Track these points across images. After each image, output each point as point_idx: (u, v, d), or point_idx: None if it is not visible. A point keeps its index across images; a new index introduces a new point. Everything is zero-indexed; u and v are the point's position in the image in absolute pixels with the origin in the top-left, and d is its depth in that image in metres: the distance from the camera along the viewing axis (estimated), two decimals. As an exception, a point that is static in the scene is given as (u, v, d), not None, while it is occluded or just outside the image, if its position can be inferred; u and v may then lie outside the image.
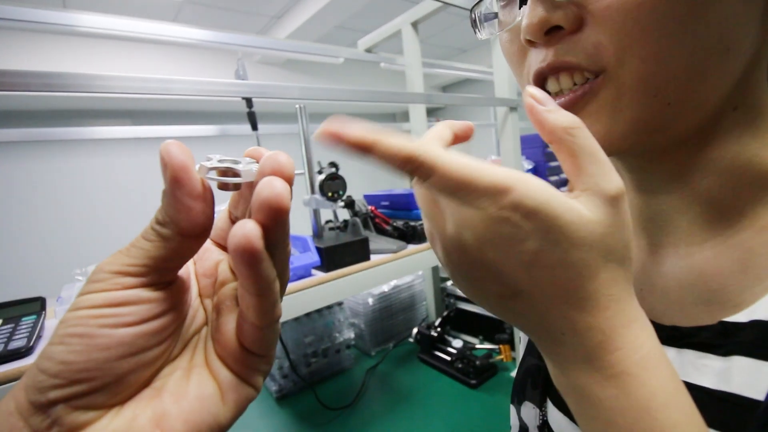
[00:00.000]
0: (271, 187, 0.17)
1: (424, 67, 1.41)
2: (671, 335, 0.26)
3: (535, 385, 0.34)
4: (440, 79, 4.95)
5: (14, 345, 0.50)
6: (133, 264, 0.18)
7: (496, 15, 0.30)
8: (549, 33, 0.24)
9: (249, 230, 0.16)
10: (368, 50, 1.55)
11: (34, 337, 0.53)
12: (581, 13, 0.22)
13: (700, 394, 0.23)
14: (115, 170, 3.41)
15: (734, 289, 0.24)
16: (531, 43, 0.25)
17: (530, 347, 0.38)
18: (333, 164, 0.96)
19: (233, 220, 0.24)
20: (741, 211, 0.25)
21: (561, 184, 1.48)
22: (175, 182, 0.18)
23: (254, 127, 1.04)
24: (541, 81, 0.26)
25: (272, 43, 1.29)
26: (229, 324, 0.20)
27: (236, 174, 0.20)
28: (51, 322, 0.61)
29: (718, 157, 0.24)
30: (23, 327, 0.55)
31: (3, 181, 2.96)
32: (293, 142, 1.19)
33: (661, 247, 0.29)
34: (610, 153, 0.23)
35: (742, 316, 0.23)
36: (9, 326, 0.55)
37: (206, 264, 0.23)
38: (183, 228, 0.18)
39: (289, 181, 0.18)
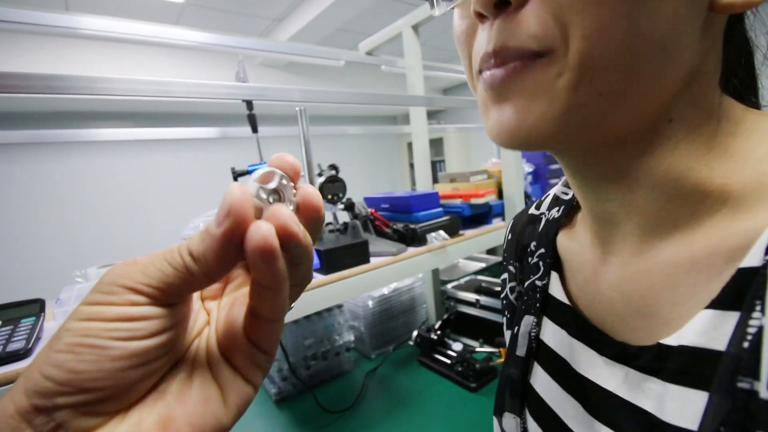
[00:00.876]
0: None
1: (424, 69, 1.41)
2: (619, 353, 0.26)
3: (514, 395, 0.35)
4: (441, 82, 4.96)
5: (13, 347, 0.50)
6: (149, 285, 0.18)
7: None
8: (498, 7, 0.22)
9: (265, 231, 0.17)
10: (369, 53, 1.55)
11: (33, 339, 0.53)
12: None
13: (644, 419, 0.23)
14: (116, 172, 3.42)
15: (665, 306, 0.24)
16: (481, 17, 0.23)
17: (508, 357, 0.38)
18: (333, 167, 0.96)
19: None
20: (674, 224, 0.24)
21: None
22: (234, 242, 0.18)
23: (254, 130, 1.05)
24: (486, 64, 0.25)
25: (274, 45, 1.30)
26: (238, 320, 0.21)
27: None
28: (50, 324, 0.61)
29: (653, 168, 0.24)
30: (22, 329, 0.55)
31: (3, 183, 2.96)
32: (293, 144, 1.20)
33: (610, 254, 0.29)
34: (543, 142, 0.23)
35: (673, 339, 0.22)
36: (8, 328, 0.55)
37: None
38: (213, 273, 0.18)
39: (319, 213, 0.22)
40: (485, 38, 0.23)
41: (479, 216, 1.18)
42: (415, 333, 1.32)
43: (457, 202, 1.16)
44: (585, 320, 0.30)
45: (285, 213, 0.18)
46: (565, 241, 0.35)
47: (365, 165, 5.18)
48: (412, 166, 5.49)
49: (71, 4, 2.51)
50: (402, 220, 1.02)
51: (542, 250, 0.37)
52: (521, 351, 0.35)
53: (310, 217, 0.21)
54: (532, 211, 0.43)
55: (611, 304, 0.28)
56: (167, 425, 0.18)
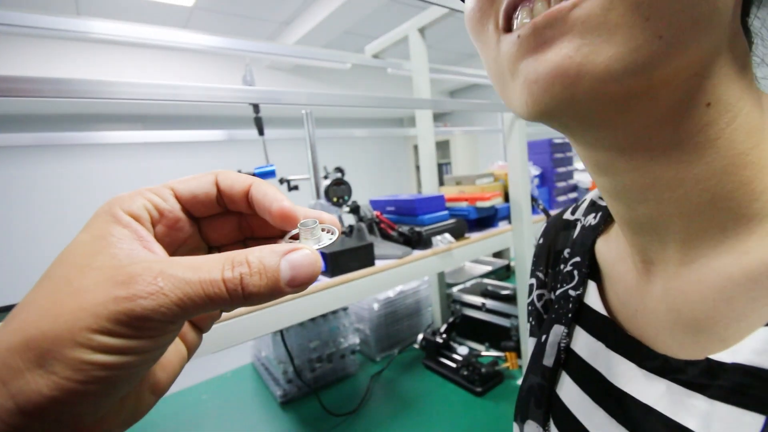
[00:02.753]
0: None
1: (431, 72, 1.42)
2: (661, 366, 0.25)
3: (539, 404, 0.34)
4: (448, 84, 4.96)
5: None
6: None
7: None
8: None
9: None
10: (375, 56, 1.56)
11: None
12: None
13: None
14: (122, 174, 3.46)
15: (719, 321, 0.22)
16: None
17: (532, 365, 0.37)
18: (338, 169, 0.96)
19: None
20: (722, 228, 0.22)
21: (569, 189, 1.47)
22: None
23: (261, 132, 1.05)
24: (510, 16, 0.22)
25: (281, 49, 1.31)
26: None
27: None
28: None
29: (692, 162, 0.21)
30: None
31: (9, 185, 3.00)
32: (299, 147, 1.20)
33: (652, 264, 0.27)
34: (585, 98, 0.19)
35: (726, 356, 0.21)
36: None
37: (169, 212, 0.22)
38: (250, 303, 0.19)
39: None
40: None
41: (485, 219, 1.17)
42: (420, 336, 1.32)
43: (463, 205, 1.15)
44: (624, 332, 0.29)
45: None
46: (603, 249, 0.34)
47: (371, 167, 5.19)
48: (418, 168, 5.49)
49: (82, 9, 2.55)
50: (407, 223, 1.02)
51: (577, 258, 0.36)
52: (548, 360, 0.34)
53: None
54: (567, 216, 0.41)
55: (655, 317, 0.26)
56: (155, 389, 0.20)
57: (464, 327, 1.41)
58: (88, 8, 2.54)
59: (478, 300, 1.35)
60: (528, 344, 0.42)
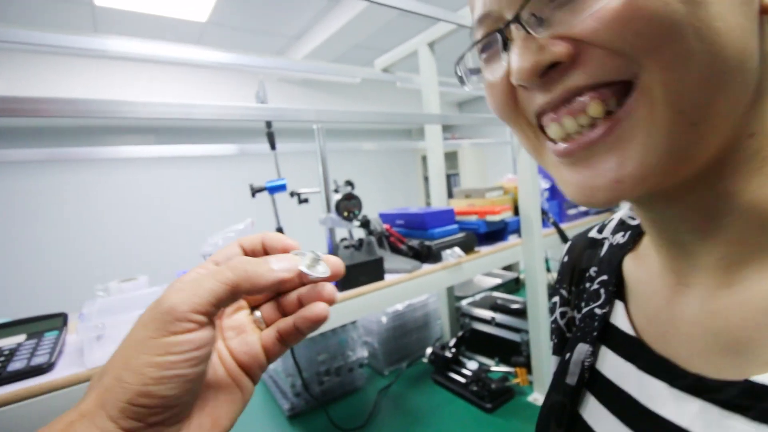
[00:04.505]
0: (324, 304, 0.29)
1: (440, 84, 1.43)
2: (695, 385, 0.24)
3: (560, 423, 0.33)
4: (456, 96, 4.98)
5: (36, 361, 0.51)
6: (207, 302, 0.23)
7: (479, 71, 0.29)
8: (545, 74, 0.22)
9: (326, 309, 0.28)
10: (385, 70, 1.57)
11: (56, 353, 0.54)
12: (574, 40, 0.20)
13: None
14: (136, 186, 3.51)
15: (763, 344, 0.22)
16: (525, 88, 0.23)
17: (555, 383, 0.36)
18: (349, 183, 0.96)
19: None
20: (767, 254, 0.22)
21: (575, 204, 1.45)
22: (280, 283, 0.27)
23: (273, 147, 1.07)
24: (540, 117, 0.24)
25: (293, 64, 1.33)
26: (255, 342, 0.29)
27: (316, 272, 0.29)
28: (72, 337, 0.62)
29: (739, 191, 0.22)
30: (46, 343, 0.56)
31: (28, 197, 3.07)
32: (310, 160, 1.21)
33: (688, 287, 0.27)
34: (644, 193, 0.21)
35: None
36: (32, 341, 0.56)
37: None
38: (253, 291, 0.26)
39: (341, 276, 0.31)
40: (539, 94, 0.23)
41: (495, 233, 1.16)
42: (429, 350, 1.31)
43: (473, 218, 1.15)
44: (652, 352, 0.28)
45: (333, 290, 0.30)
46: (632, 268, 0.34)
47: (380, 179, 5.20)
48: (426, 179, 5.50)
49: (99, 26, 2.62)
50: (417, 237, 1.02)
51: (605, 277, 0.35)
52: (572, 379, 0.34)
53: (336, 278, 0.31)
54: (593, 234, 0.41)
55: (689, 339, 0.26)
56: (217, 423, 0.25)
57: (473, 341, 1.40)
58: (105, 24, 2.62)
59: (487, 314, 1.34)
60: (549, 363, 0.42)
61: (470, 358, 1.35)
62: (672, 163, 0.20)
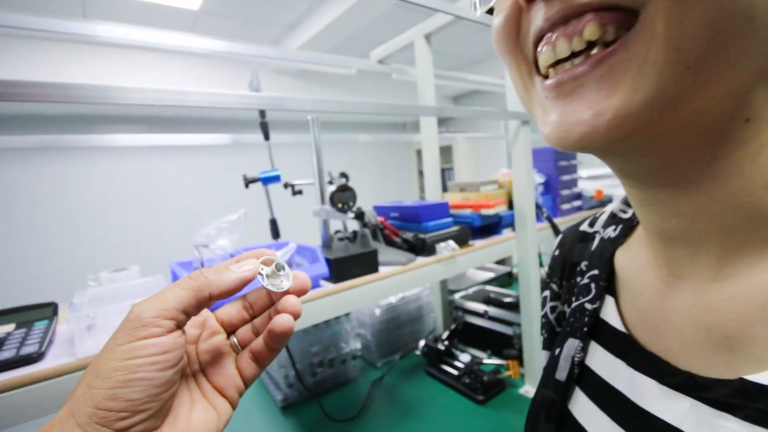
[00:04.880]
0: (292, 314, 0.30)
1: (436, 78, 1.42)
2: (685, 383, 0.24)
3: (549, 419, 0.33)
4: (451, 89, 4.96)
5: (26, 350, 0.51)
6: (173, 308, 0.25)
7: None
8: None
9: (290, 321, 0.29)
10: (380, 61, 1.56)
11: (46, 343, 0.53)
12: None
13: None
14: (127, 176, 3.46)
15: (756, 340, 0.21)
16: (531, 1, 0.22)
17: (545, 378, 0.36)
18: (343, 175, 0.96)
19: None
20: (764, 243, 0.22)
21: (573, 197, 1.47)
22: (241, 284, 0.29)
23: (266, 137, 1.05)
24: (537, 46, 0.23)
25: (287, 54, 1.31)
26: (230, 364, 0.30)
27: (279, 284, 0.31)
28: (62, 327, 0.61)
29: (731, 176, 0.21)
30: (35, 332, 0.55)
31: (17, 187, 3.02)
32: (304, 152, 1.20)
33: (680, 279, 0.26)
34: (621, 138, 0.20)
35: (765, 377, 0.20)
36: (21, 331, 0.56)
37: (197, 318, 0.31)
38: (216, 296, 0.27)
39: (306, 291, 0.32)
40: (540, 14, 0.21)
41: (489, 226, 1.17)
42: (422, 342, 1.31)
43: (467, 212, 1.15)
44: (642, 348, 0.28)
45: (297, 303, 0.30)
46: (624, 262, 0.33)
47: (373, 172, 5.19)
48: (421, 173, 5.49)
49: (89, 12, 2.57)
50: (411, 230, 1.02)
51: (595, 271, 0.35)
52: (561, 375, 0.33)
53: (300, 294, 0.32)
54: (584, 228, 0.41)
55: (681, 334, 0.25)
56: None
57: (466, 334, 1.41)
58: (95, 11, 2.56)
59: (480, 307, 1.35)
60: (540, 357, 0.42)
61: (463, 351, 1.36)
62: (658, 105, 0.19)
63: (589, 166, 1.87)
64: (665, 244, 0.27)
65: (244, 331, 0.31)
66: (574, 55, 0.21)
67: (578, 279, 0.38)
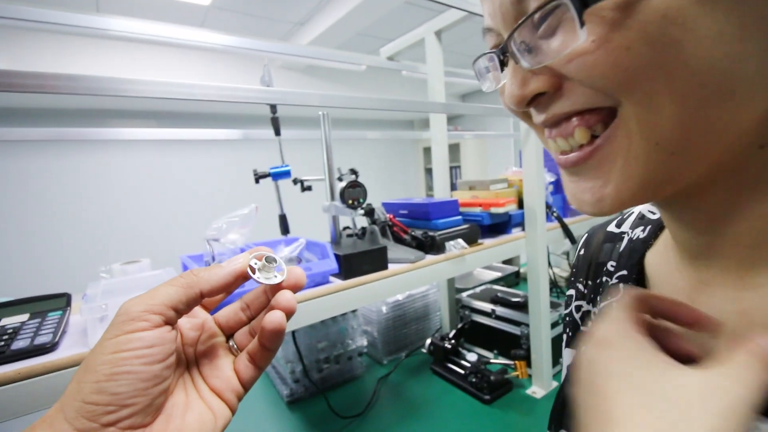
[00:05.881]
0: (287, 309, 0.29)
1: (446, 75, 1.41)
2: None
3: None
4: (460, 87, 4.93)
5: (40, 340, 0.51)
6: (160, 304, 0.25)
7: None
8: (534, 100, 0.24)
9: (281, 317, 0.28)
10: (390, 58, 1.55)
11: (60, 333, 0.54)
12: (557, 76, 0.22)
13: None
14: (140, 170, 3.50)
15: None
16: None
17: (568, 376, 0.36)
18: (353, 171, 0.96)
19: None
20: None
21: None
22: (235, 279, 0.29)
23: (277, 133, 1.05)
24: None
25: (298, 49, 1.31)
26: (227, 366, 0.29)
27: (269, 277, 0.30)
28: (75, 317, 0.62)
29: (749, 202, 0.22)
30: (49, 322, 0.56)
31: (31, 178, 3.06)
32: (313, 148, 1.20)
33: (709, 285, 0.26)
34: (624, 208, 0.23)
35: None
36: (35, 321, 0.56)
37: (195, 321, 0.30)
38: (208, 292, 0.27)
39: (301, 286, 0.31)
40: (536, 115, 0.25)
41: (498, 225, 1.16)
42: (428, 341, 1.31)
43: (477, 210, 1.14)
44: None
45: (291, 298, 0.29)
46: (655, 263, 0.33)
47: (380, 169, 5.18)
48: (428, 171, 5.47)
49: (102, 6, 2.59)
50: (420, 227, 1.01)
51: (624, 272, 0.35)
52: None
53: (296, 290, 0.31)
54: (612, 228, 0.41)
55: None
56: None
57: (473, 333, 1.40)
58: (108, 6, 2.58)
59: (487, 306, 1.34)
60: (564, 355, 0.42)
61: (469, 350, 1.36)
62: (651, 187, 0.21)
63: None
64: (693, 254, 0.27)
65: (242, 334, 0.31)
66: None
67: (605, 279, 0.38)
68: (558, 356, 1.22)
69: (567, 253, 1.94)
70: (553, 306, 1.21)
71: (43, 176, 3.10)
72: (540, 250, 1.12)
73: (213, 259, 0.68)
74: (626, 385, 0.20)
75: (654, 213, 0.37)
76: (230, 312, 0.32)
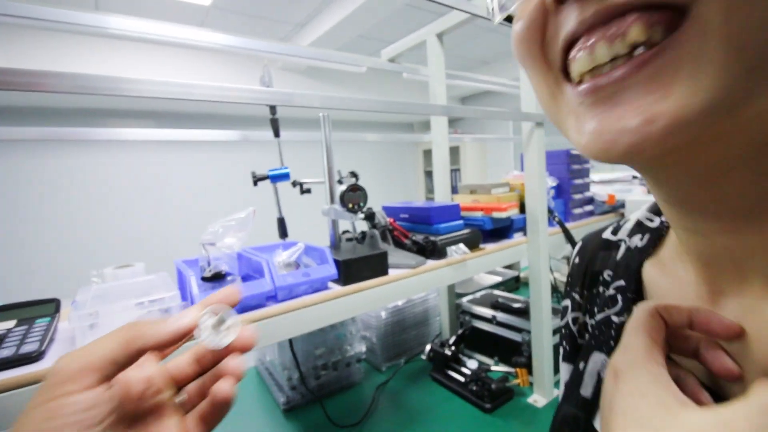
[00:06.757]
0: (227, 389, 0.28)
1: (447, 78, 1.39)
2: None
3: None
4: (460, 90, 4.93)
5: (26, 349, 0.49)
6: (99, 359, 0.23)
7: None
8: None
9: (231, 389, 0.28)
10: (391, 60, 1.54)
11: (47, 341, 0.51)
12: None
13: None
14: (134, 171, 3.47)
15: None
16: (560, 4, 0.19)
17: (567, 394, 0.34)
18: (353, 174, 0.94)
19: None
20: None
21: (585, 202, 1.43)
22: (179, 336, 0.27)
23: (276, 134, 1.04)
24: (567, 53, 0.20)
25: (298, 50, 1.29)
26: (174, 427, 0.27)
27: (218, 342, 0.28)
28: (64, 324, 0.59)
29: None
30: (36, 329, 0.54)
31: (20, 179, 3.01)
32: (313, 150, 1.18)
33: (723, 296, 0.25)
34: (671, 146, 0.17)
35: None
36: (22, 328, 0.54)
37: (140, 374, 0.27)
38: (152, 345, 0.26)
39: (251, 348, 0.30)
40: (574, 13, 0.19)
41: (500, 230, 1.14)
42: (428, 347, 1.29)
43: (478, 214, 1.12)
44: (678, 366, 0.26)
45: (238, 365, 0.29)
46: (654, 274, 0.31)
47: (379, 172, 5.17)
48: (427, 174, 5.46)
49: (101, 5, 2.57)
50: (421, 231, 0.99)
51: (621, 282, 0.33)
52: (586, 391, 0.32)
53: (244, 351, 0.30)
54: (607, 235, 0.39)
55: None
56: None
57: (473, 339, 1.38)
58: (107, 4, 2.56)
59: (488, 312, 1.32)
60: (561, 370, 0.40)
61: (469, 357, 1.33)
62: (719, 108, 0.16)
63: (600, 170, 1.84)
64: (707, 262, 0.25)
65: (196, 386, 0.30)
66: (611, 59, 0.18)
67: (601, 289, 0.36)
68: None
69: (567, 258, 1.92)
70: (555, 312, 1.20)
71: (33, 177, 3.06)
72: (542, 256, 1.10)
73: (209, 264, 0.66)
74: (633, 423, 0.20)
75: (652, 221, 0.34)
76: (183, 362, 0.30)
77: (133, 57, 3.00)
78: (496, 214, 1.09)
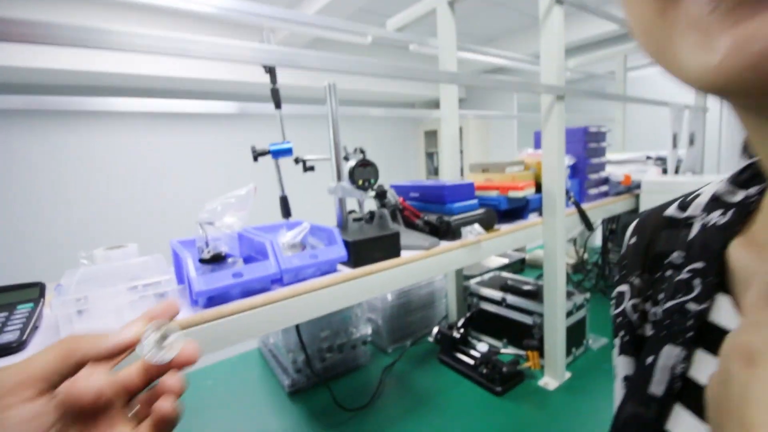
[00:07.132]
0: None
1: (458, 50, 1.31)
2: None
3: None
4: (468, 66, 4.80)
5: (5, 338, 0.44)
6: (40, 371, 0.23)
7: None
8: None
9: (172, 406, 0.27)
10: (398, 30, 1.45)
11: (29, 330, 0.46)
12: None
13: None
14: (127, 148, 3.35)
15: None
16: None
17: (632, 391, 0.30)
18: (360, 150, 0.88)
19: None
20: None
21: (600, 182, 1.37)
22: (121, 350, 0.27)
23: (277, 105, 0.97)
24: None
25: (299, 16, 1.21)
26: None
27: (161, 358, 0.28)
28: (48, 311, 0.54)
29: None
30: (17, 316, 0.48)
31: (8, 156, 2.88)
32: (316, 125, 1.11)
33: None
34: None
35: None
36: (2, 315, 0.49)
37: (88, 384, 0.26)
38: (92, 357, 0.26)
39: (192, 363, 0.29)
40: None
41: (515, 210, 1.09)
42: (435, 329, 1.26)
43: (493, 194, 1.07)
44: None
45: (176, 382, 0.28)
46: (743, 255, 0.27)
47: (379, 153, 5.07)
48: (428, 155, 5.37)
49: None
50: (433, 211, 0.94)
51: (698, 264, 0.29)
52: (658, 388, 0.28)
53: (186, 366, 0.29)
54: (672, 212, 0.34)
55: None
56: None
57: (481, 321, 1.35)
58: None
59: (497, 294, 1.28)
60: (618, 363, 0.35)
61: (477, 339, 1.30)
62: None
63: (616, 150, 1.77)
64: None
65: (146, 396, 0.29)
66: None
67: (668, 272, 0.32)
68: (572, 346, 1.17)
69: (574, 240, 1.88)
70: (567, 295, 1.15)
71: (19, 153, 2.94)
72: (558, 237, 1.05)
73: (207, 244, 0.60)
74: None
75: (734, 194, 0.30)
76: (133, 372, 0.29)
77: (126, 22, 2.87)
78: (512, 194, 1.03)
